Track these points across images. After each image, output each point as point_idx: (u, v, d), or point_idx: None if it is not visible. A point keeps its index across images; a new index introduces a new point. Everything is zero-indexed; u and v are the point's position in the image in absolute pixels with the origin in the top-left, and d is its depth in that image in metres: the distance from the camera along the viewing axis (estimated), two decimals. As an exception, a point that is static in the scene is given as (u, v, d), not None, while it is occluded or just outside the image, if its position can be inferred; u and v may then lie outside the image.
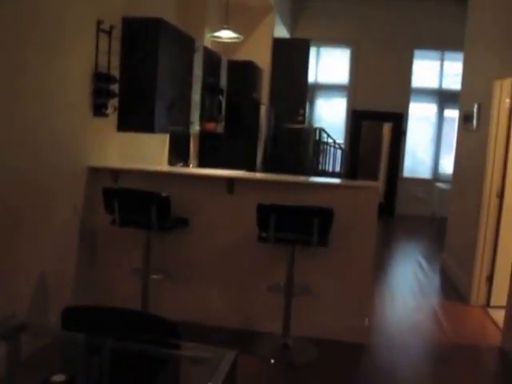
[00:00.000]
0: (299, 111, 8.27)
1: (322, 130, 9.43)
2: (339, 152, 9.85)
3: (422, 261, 7.05)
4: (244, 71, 7.10)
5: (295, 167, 8.30)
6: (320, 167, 9.49)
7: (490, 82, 5.36)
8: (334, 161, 9.89)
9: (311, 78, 10.26)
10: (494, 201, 5.25)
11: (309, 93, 10.11)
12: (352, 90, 10.31)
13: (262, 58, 7.79)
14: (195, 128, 5.77)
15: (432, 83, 10.44)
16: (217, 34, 5.84)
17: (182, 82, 5.25)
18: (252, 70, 7.32)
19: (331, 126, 10.36)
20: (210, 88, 6.11)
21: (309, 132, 8.61)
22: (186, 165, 6.46)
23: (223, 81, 6.79)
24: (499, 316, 4.87)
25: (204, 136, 7.14)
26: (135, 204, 3.96)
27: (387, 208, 10.40)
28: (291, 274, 3.95)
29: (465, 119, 6.36)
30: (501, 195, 5.21)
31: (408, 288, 5.87)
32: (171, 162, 6.07)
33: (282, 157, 8.16)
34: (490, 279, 5.29)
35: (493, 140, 5.24)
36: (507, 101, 5.17)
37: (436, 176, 10.35)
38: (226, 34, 5.79)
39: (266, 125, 7.45)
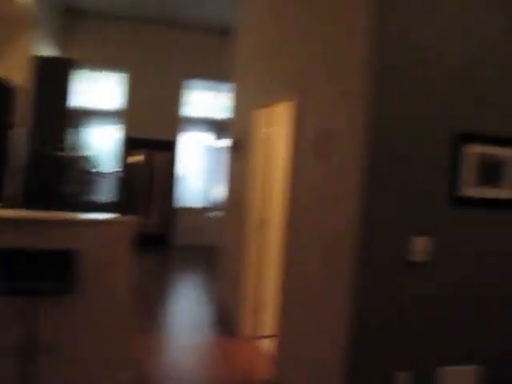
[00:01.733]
0: (64, 137, 7.50)
1: (91, 158, 8.74)
2: (113, 182, 9.25)
3: (197, 293, 6.77)
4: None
5: (59, 199, 7.48)
6: (89, 198, 8.76)
7: (252, 112, 5.35)
8: (108, 191, 9.26)
9: (82, 103, 9.53)
10: (258, 230, 5.17)
11: (78, 118, 9.37)
12: (126, 117, 9.82)
13: (18, 75, 6.90)
14: None
15: (205, 113, 10.48)
16: None
17: None
18: None
19: (104, 154, 9.73)
20: None
21: (74, 160, 7.85)
22: None
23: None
24: (265, 345, 4.76)
25: None
26: None
27: (163, 239, 10.05)
28: (31, 332, 3.26)
29: (234, 148, 6.30)
30: (264, 225, 5.15)
31: (183, 326, 5.49)
32: None
33: (42, 188, 7.28)
34: (255, 311, 5.17)
35: (253, 169, 5.19)
36: (264, 129, 5.18)
37: (210, 205, 10.32)
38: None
39: (19, 152, 6.54)
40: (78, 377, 3.61)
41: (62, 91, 7.69)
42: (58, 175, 7.63)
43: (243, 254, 5.26)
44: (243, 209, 5.40)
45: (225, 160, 7.37)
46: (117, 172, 9.60)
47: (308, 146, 3.73)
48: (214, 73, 10.07)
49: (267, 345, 4.86)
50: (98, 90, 9.86)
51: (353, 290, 2.94)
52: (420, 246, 3.00)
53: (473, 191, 3.09)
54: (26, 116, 7.21)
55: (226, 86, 9.24)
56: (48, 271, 3.05)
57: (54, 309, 3.50)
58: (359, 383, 3.01)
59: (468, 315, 3.16)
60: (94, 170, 8.91)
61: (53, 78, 7.61)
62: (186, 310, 6.11)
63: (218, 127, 10.32)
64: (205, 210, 10.29)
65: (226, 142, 6.72)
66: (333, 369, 3.10)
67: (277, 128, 5.11)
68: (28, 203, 7.06)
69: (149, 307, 6.10)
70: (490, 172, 3.11)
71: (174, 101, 10.07)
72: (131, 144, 9.83)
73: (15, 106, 6.96)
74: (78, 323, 3.60)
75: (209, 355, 4.66)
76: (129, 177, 9.81)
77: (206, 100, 10.50)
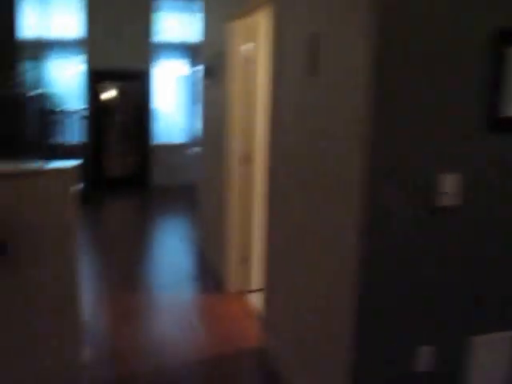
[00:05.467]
0: (10, 74, 6.55)
1: (48, 95, 7.78)
2: (79, 121, 8.35)
3: (177, 242, 6.06)
4: None
5: (12, 144, 6.63)
6: (53, 142, 7.89)
7: (226, 26, 4.44)
8: (74, 132, 8.37)
9: (34, 33, 8.44)
10: (241, 168, 4.41)
11: (32, 51, 8.33)
12: (88, 47, 8.73)
13: None
14: None
15: (178, 37, 9.38)
16: None
17: None
18: None
19: (67, 90, 8.74)
20: None
21: (31, 99, 6.92)
22: None
23: None
24: (258, 302, 4.12)
25: None
26: None
27: (140, 180, 9.25)
28: None
29: (208, 73, 5.42)
30: (248, 160, 4.38)
31: (161, 281, 4.81)
32: None
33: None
34: (245, 260, 4.49)
35: (233, 94, 4.36)
36: (242, 46, 4.30)
37: (192, 140, 9.45)
38: None
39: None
40: (15, 369, 2.93)
41: (7, 21, 6.66)
42: (13, 117, 6.74)
43: (224, 194, 4.52)
44: (222, 143, 4.61)
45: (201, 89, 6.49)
46: (83, 109, 8.66)
47: (296, 59, 2.90)
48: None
49: (257, 301, 4.22)
50: (52, 17, 8.71)
51: (361, 249, 2.21)
52: (448, 186, 2.26)
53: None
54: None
55: (199, 4, 8.18)
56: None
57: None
58: (371, 364, 2.35)
59: (506, 273, 2.47)
60: (55, 109, 7.98)
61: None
62: (165, 260, 5.42)
63: (194, 53, 9.30)
64: (184, 146, 9.43)
65: (202, 69, 5.86)
66: (337, 341, 2.42)
67: (257, 44, 4.23)
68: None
69: (124, 259, 5.41)
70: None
71: (143, 25, 8.96)
72: (97, 77, 8.81)
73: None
74: (14, 296, 2.89)
75: (191, 317, 4.00)
76: (97, 114, 8.88)
77: (178, 23, 9.39)
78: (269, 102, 3.36)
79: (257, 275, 4.44)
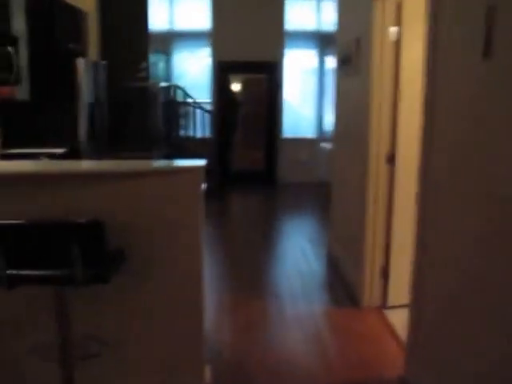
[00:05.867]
0: (141, 66, 6.52)
1: (177, 87, 7.73)
2: (206, 114, 8.25)
3: (307, 245, 5.65)
4: (51, 13, 5.22)
5: (142, 137, 6.62)
6: (181, 134, 7.85)
7: (369, 7, 3.92)
8: (203, 125, 8.28)
9: (163, 26, 8.46)
10: (384, 168, 3.89)
11: (163, 43, 8.36)
12: (216, 38, 8.59)
13: (87, -1, 5.96)
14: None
15: (309, 25, 8.94)
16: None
17: None
18: (65, 12, 5.47)
19: (194, 82, 8.69)
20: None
21: (156, 91, 6.87)
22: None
23: (19, 26, 4.90)
24: (399, 320, 3.60)
25: (4, 106, 5.26)
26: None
27: (266, 176, 8.98)
28: (64, 329, 2.34)
29: (343, 62, 4.94)
30: (391, 160, 3.85)
31: (289, 288, 4.41)
32: None
33: (120, 125, 6.42)
34: (384, 271, 3.98)
35: (376, 85, 3.84)
36: (392, 29, 3.76)
37: (321, 135, 8.99)
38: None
39: (92, 84, 5.64)
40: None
41: (138, 13, 6.64)
42: (142, 109, 6.73)
43: (362, 196, 4.03)
44: (359, 139, 4.12)
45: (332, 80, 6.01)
46: (209, 102, 8.55)
47: (463, 41, 2.33)
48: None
49: (398, 318, 3.69)
50: (181, 9, 8.66)
51: None
52: None
53: None
54: (99, 43, 6.29)
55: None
56: (70, 253, 2.05)
57: (93, 297, 2.55)
58: None
59: None
60: (182, 102, 7.92)
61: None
62: (292, 264, 5.04)
63: (324, 41, 8.82)
64: (313, 141, 8.99)
65: (334, 58, 5.40)
66: None
67: (405, 26, 3.67)
68: (111, 143, 6.27)
69: (247, 261, 5.12)
70: None
71: (272, 13, 8.62)
72: (224, 69, 8.65)
73: (86, 33, 6.04)
74: (129, 313, 2.64)
75: (321, 334, 3.58)
76: (223, 107, 8.73)
77: (307, 10, 8.93)
78: (424, 93, 2.81)
79: (398, 289, 3.90)
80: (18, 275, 2.09)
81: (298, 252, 5.43)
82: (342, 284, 4.47)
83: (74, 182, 2.48)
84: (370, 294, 4.00)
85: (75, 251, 2.03)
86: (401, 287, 3.86)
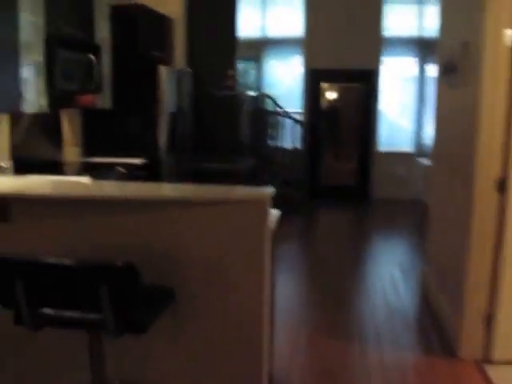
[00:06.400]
0: (228, 73, 6.25)
1: (266, 96, 7.39)
2: (296, 124, 7.84)
3: (397, 274, 5.06)
4: (135, 20, 5.06)
5: (226, 148, 6.34)
6: (269, 144, 7.51)
7: (479, 6, 3.33)
8: (293, 135, 7.88)
9: (257, 32, 8.18)
10: (493, 195, 3.28)
11: (253, 50, 8.08)
12: (309, 45, 8.16)
13: (171, 4, 5.77)
14: (30, 106, 3.71)
15: (409, 31, 8.28)
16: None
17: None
18: (150, 19, 5.30)
19: (285, 91, 8.32)
20: (70, 44, 4.06)
21: (243, 100, 6.56)
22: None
23: (102, 34, 4.77)
24: (505, 380, 3.01)
25: (86, 114, 5.19)
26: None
27: (359, 191, 8.41)
28: (99, 371, 2.02)
29: (446, 69, 4.35)
30: (502, 186, 3.24)
31: (372, 330, 3.86)
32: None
33: (204, 135, 6.17)
34: (489, 317, 3.36)
35: (487, 98, 3.25)
36: (508, 32, 3.16)
37: (419, 149, 8.28)
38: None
39: (175, 93, 5.42)
40: None
41: (227, 19, 6.39)
42: (229, 118, 6.46)
43: (466, 226, 3.44)
44: (464, 159, 3.54)
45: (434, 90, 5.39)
46: (300, 112, 8.13)
47: None
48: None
49: (503, 378, 3.08)
50: (273, 15, 8.31)
51: None
52: None
53: None
54: (185, 50, 6.08)
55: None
56: (99, 297, 1.71)
57: (133, 340, 2.22)
58: None
59: None
60: (271, 112, 7.57)
61: (211, 4, 6.32)
62: (379, 297, 4.49)
63: (425, 48, 8.13)
64: (410, 155, 8.29)
65: (436, 66, 4.80)
66: None
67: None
68: (194, 154, 6.05)
69: (328, 289, 4.64)
70: None
71: (370, 19, 8.06)
72: (317, 77, 8.20)
73: (171, 40, 5.86)
74: (175, 358, 2.28)
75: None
76: (315, 117, 8.29)
77: (407, 15, 8.27)
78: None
79: (506, 340, 3.28)
80: (45, 316, 1.80)
81: (387, 281, 4.87)
82: (435, 326, 3.87)
83: (113, 208, 2.17)
84: (469, 344, 3.39)
85: (104, 296, 1.70)
86: (510, 338, 3.25)
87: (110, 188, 2.49)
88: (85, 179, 3.80)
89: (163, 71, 5.05)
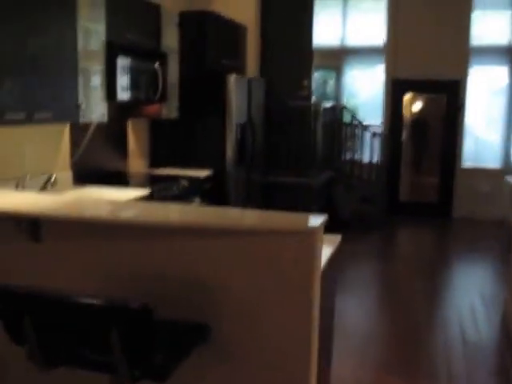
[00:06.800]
0: (303, 83, 6.03)
1: (343, 107, 7.09)
2: (377, 137, 7.48)
3: (478, 303, 4.62)
4: (204, 28, 4.97)
5: (299, 161, 6.13)
6: (346, 158, 7.21)
7: None
8: (371, 149, 7.52)
9: (338, 41, 7.91)
10: None
11: (334, 60, 7.82)
12: (391, 54, 7.77)
13: (244, 11, 5.64)
14: (91, 115, 3.67)
15: (501, 39, 7.69)
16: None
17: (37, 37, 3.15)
18: (220, 27, 5.19)
19: (365, 102, 7.99)
20: (132, 52, 4.02)
21: (318, 111, 6.32)
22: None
23: (169, 42, 4.71)
24: None
25: (153, 125, 5.15)
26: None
27: (441, 209, 7.90)
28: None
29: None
30: None
31: (445, 370, 3.43)
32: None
33: (276, 147, 5.99)
34: None
35: None
36: None
37: (507, 166, 7.65)
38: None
39: (245, 102, 5.27)
40: None
41: (302, 27, 6.18)
42: (301, 130, 6.25)
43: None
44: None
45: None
46: (380, 125, 7.76)
47: None
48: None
49: None
50: (354, 23, 7.99)
51: None
52: None
53: None
54: (258, 59, 5.94)
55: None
56: (109, 340, 1.54)
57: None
58: None
59: None
60: (349, 124, 7.26)
61: (287, 12, 6.14)
62: (457, 330, 4.06)
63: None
64: (498, 172, 7.67)
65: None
66: None
67: None
68: (265, 167, 5.89)
69: (402, 318, 4.29)
70: None
71: (458, 27, 7.56)
72: (399, 88, 7.79)
73: (244, 48, 5.74)
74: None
75: None
76: (396, 130, 7.89)
77: (501, 21, 7.69)
78: None
79: None
80: (57, 354, 1.65)
81: (466, 311, 4.44)
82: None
83: (150, 234, 2.00)
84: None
85: (115, 341, 1.52)
86: None
87: (150, 212, 2.32)
88: (143, 192, 3.72)
89: (232, 80, 4.92)
